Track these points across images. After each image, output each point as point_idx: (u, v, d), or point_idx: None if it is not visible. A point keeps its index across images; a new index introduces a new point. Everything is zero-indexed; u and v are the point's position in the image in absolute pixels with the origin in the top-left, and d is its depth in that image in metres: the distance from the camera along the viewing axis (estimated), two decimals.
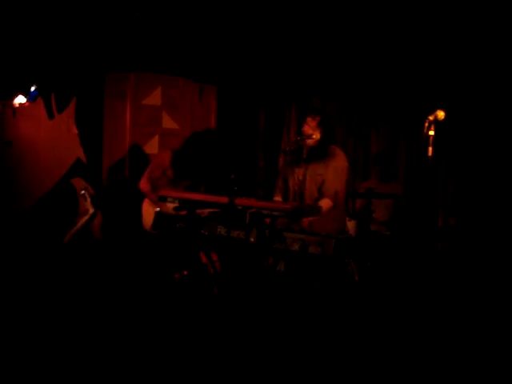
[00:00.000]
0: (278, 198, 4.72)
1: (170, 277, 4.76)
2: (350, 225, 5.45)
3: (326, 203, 4.39)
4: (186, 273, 4.92)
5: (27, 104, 5.43)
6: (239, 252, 4.12)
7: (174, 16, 5.57)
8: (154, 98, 6.49)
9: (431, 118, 3.23)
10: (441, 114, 3.21)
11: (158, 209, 5.18)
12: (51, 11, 5.14)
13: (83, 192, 4.99)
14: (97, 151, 6.10)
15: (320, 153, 4.51)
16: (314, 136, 4.45)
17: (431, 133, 3.24)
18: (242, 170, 4.31)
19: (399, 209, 6.15)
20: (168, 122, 6.57)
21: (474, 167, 6.15)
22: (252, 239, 3.97)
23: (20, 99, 5.41)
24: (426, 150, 3.28)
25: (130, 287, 4.98)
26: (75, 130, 5.94)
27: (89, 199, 4.99)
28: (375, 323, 4.32)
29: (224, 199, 4.05)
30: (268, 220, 3.98)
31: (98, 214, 5.37)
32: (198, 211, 4.52)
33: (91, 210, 5.04)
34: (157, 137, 6.53)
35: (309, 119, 4.55)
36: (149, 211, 5.34)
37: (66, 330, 4.09)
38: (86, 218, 5.06)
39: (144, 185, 5.39)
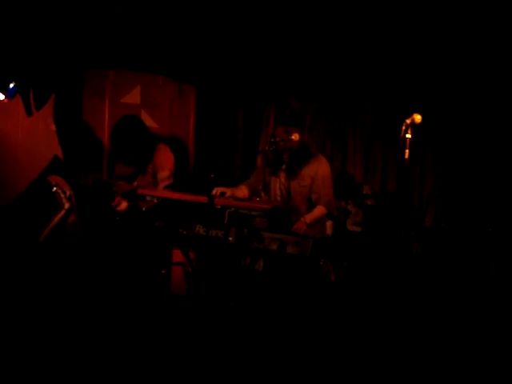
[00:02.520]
0: (243, 187, 4.71)
1: (152, 273, 4.77)
2: (328, 225, 5.50)
3: (321, 210, 4.43)
4: (164, 271, 4.93)
5: (5, 101, 5.38)
6: (218, 251, 4.15)
7: (153, 14, 5.57)
8: (133, 97, 6.47)
9: (408, 121, 3.29)
10: (418, 118, 3.26)
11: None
12: (30, 8, 5.11)
13: (55, 189, 4.97)
14: (75, 149, 6.07)
15: (301, 159, 4.51)
16: (293, 137, 4.42)
17: (408, 136, 3.29)
18: (221, 169, 4.34)
19: (375, 210, 6.23)
20: (147, 121, 6.54)
21: (450, 169, 6.25)
22: (231, 238, 4.00)
23: None
24: (403, 153, 3.33)
25: (108, 285, 4.97)
26: (53, 128, 5.89)
27: (62, 195, 4.97)
28: (351, 322, 4.38)
29: (203, 198, 4.07)
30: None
31: (74, 210, 5.34)
32: (141, 203, 4.54)
33: (67, 205, 5.01)
34: None
35: (281, 129, 4.50)
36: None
37: (43, 331, 4.08)
38: (61, 213, 5.03)
39: None
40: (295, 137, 4.38)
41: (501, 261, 5.44)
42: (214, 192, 4.25)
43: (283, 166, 4.54)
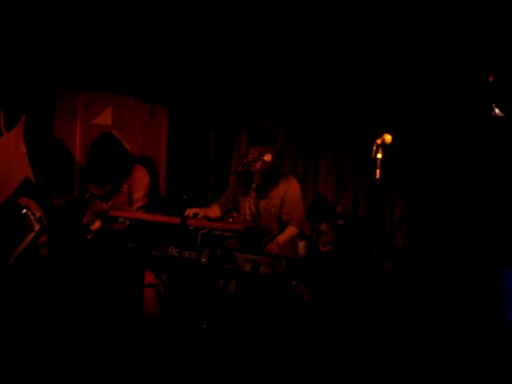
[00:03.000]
0: (214, 207, 4.72)
1: (124, 295, 4.72)
2: (300, 246, 5.52)
3: (292, 230, 4.46)
4: (136, 293, 4.89)
5: None
6: (191, 272, 4.13)
7: (125, 36, 5.59)
8: (105, 118, 6.45)
9: (379, 141, 3.34)
10: (388, 138, 3.32)
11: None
12: None
13: (25, 211, 4.93)
14: (46, 170, 6.01)
15: (271, 180, 4.54)
16: (266, 158, 4.46)
17: (379, 156, 3.34)
18: (194, 190, 4.34)
19: (347, 230, 6.28)
20: None
21: (420, 189, 6.33)
22: (204, 259, 3.99)
23: None
24: (374, 173, 3.38)
25: (79, 306, 4.91)
26: (24, 149, 5.84)
27: (32, 217, 4.93)
28: (324, 342, 4.39)
29: (176, 219, 4.07)
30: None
31: (44, 232, 5.29)
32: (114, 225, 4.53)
33: (37, 227, 4.97)
34: None
35: (253, 150, 4.56)
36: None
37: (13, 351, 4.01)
38: (31, 235, 4.98)
39: None
40: (267, 157, 4.43)
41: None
42: (186, 213, 4.24)
43: (253, 186, 4.58)
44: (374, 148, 3.35)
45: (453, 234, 5.99)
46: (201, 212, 4.37)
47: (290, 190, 4.51)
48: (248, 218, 4.58)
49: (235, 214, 4.87)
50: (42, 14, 5.09)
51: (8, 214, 5.70)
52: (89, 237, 5.14)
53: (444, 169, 6.16)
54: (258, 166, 4.47)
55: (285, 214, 4.48)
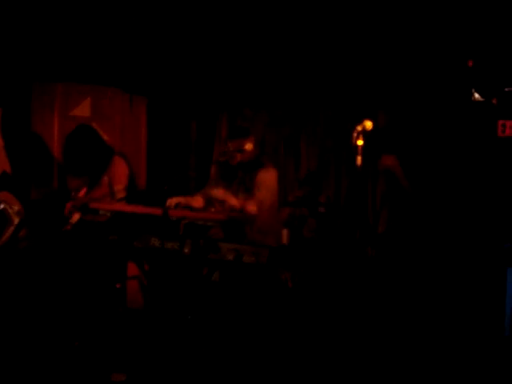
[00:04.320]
0: (198, 197, 4.70)
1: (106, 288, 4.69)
2: (284, 233, 5.51)
3: (251, 207, 4.44)
4: (118, 286, 4.86)
5: None
6: (173, 263, 4.12)
7: (102, 24, 5.53)
8: (83, 109, 6.38)
9: (359, 128, 3.35)
10: (368, 124, 3.32)
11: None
12: None
13: (3, 205, 4.89)
14: (24, 163, 5.94)
15: (252, 170, 4.54)
16: (247, 147, 4.45)
17: (359, 143, 3.35)
18: (175, 181, 4.32)
19: (328, 216, 6.27)
20: None
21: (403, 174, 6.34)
22: (186, 250, 3.98)
23: None
24: (355, 159, 3.39)
25: (61, 300, 4.88)
26: (1, 142, 5.77)
27: (10, 210, 4.89)
28: (310, 330, 4.40)
29: (158, 210, 4.04)
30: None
31: (24, 225, 5.25)
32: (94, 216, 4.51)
33: (16, 221, 4.93)
34: None
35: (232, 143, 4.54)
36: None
37: None
38: (11, 229, 4.94)
39: None
40: (248, 147, 4.43)
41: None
42: (168, 203, 4.22)
43: (236, 178, 4.57)
44: (355, 135, 3.35)
45: (435, 221, 6.03)
46: (183, 200, 4.35)
47: (265, 177, 4.52)
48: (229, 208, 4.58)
49: (216, 205, 4.86)
50: (17, 7, 5.02)
51: None
52: (66, 228, 5.10)
53: (426, 154, 6.18)
54: (238, 157, 4.45)
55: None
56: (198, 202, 4.62)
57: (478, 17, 4.77)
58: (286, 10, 5.30)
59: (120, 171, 5.43)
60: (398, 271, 5.81)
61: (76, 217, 5.01)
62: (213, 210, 4.77)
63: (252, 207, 4.43)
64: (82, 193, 5.40)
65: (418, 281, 5.55)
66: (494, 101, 4.73)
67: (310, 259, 5.33)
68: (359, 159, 3.35)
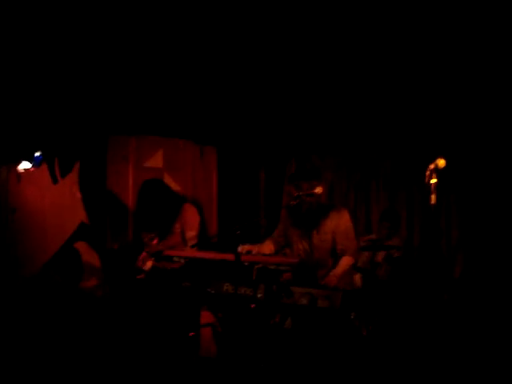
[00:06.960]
0: (268, 242, 4.68)
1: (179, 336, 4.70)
2: (356, 278, 5.43)
3: (347, 260, 4.38)
4: (191, 334, 4.87)
5: (32, 169, 5.48)
6: (247, 309, 4.09)
7: (173, 80, 5.71)
8: (156, 161, 6.56)
9: (432, 166, 3.28)
10: (441, 162, 3.25)
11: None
12: (54, 77, 5.26)
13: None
14: (100, 215, 6.12)
15: (321, 213, 4.51)
16: (317, 190, 4.41)
17: (433, 181, 3.28)
18: (247, 226, 4.33)
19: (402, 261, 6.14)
20: (170, 184, 6.61)
21: (477, 214, 6.16)
22: (260, 295, 3.95)
23: (25, 165, 5.46)
24: (429, 199, 3.31)
25: (134, 349, 4.91)
26: (79, 194, 5.97)
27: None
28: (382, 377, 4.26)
29: (230, 256, 4.05)
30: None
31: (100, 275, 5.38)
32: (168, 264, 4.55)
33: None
34: None
35: (305, 186, 4.52)
36: None
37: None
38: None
39: None
40: (319, 190, 4.40)
41: None
42: (240, 249, 4.22)
43: (305, 221, 4.54)
44: (428, 173, 3.29)
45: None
46: (254, 249, 4.34)
47: (341, 221, 4.47)
48: (301, 252, 4.53)
49: (288, 251, 4.83)
50: (95, 65, 5.26)
51: (65, 258, 5.81)
52: (139, 277, 5.19)
53: (499, 194, 6.01)
54: (310, 198, 4.43)
55: (339, 244, 4.42)
56: (269, 247, 4.61)
57: None
58: (358, 65, 5.34)
59: (191, 218, 5.53)
60: (475, 319, 5.59)
61: (149, 264, 5.10)
62: (284, 254, 4.75)
63: (349, 261, 4.39)
64: (155, 241, 5.50)
65: (498, 329, 5.31)
66: None
67: (383, 304, 5.20)
68: (433, 198, 3.26)
